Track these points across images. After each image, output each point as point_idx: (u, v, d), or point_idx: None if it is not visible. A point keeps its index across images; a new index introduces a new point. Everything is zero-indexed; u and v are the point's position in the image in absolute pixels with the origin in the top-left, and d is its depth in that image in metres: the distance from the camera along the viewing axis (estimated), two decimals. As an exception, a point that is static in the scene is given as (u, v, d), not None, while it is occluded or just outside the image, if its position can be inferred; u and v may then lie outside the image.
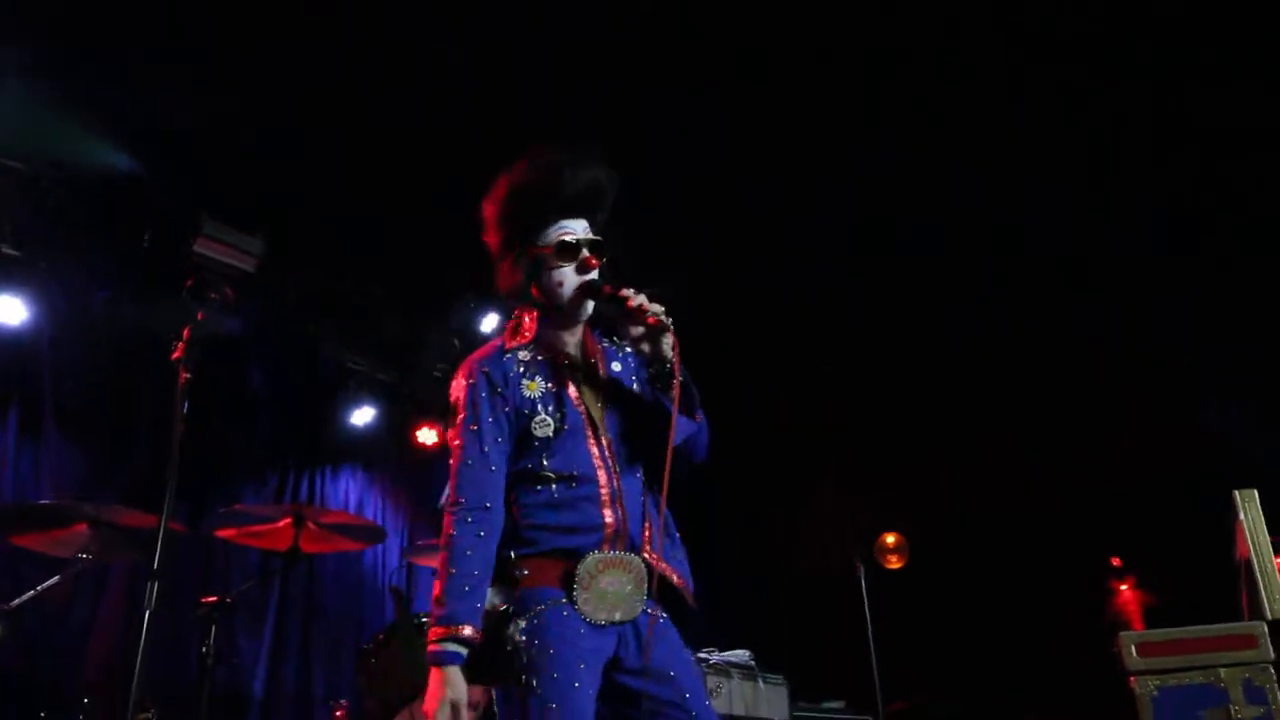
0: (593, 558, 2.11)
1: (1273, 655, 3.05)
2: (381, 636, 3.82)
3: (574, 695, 2.02)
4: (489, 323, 6.11)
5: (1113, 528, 6.75)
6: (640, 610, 2.16)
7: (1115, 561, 7.07)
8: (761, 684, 4.85)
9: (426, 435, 6.16)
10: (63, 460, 4.72)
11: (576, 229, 2.24)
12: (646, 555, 2.18)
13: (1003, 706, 6.31)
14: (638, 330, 2.18)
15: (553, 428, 2.17)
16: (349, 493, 6.06)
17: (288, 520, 4.08)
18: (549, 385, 2.20)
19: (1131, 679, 3.15)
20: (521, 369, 2.21)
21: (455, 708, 2.02)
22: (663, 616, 2.22)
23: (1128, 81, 4.79)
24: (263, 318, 5.46)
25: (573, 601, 2.09)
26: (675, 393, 2.14)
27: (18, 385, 4.71)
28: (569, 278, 2.21)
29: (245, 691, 4.98)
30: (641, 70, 4.61)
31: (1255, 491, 3.24)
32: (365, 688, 3.78)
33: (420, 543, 5.40)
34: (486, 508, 2.11)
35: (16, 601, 3.47)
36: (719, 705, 4.53)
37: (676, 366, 2.14)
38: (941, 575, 6.91)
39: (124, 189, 4.87)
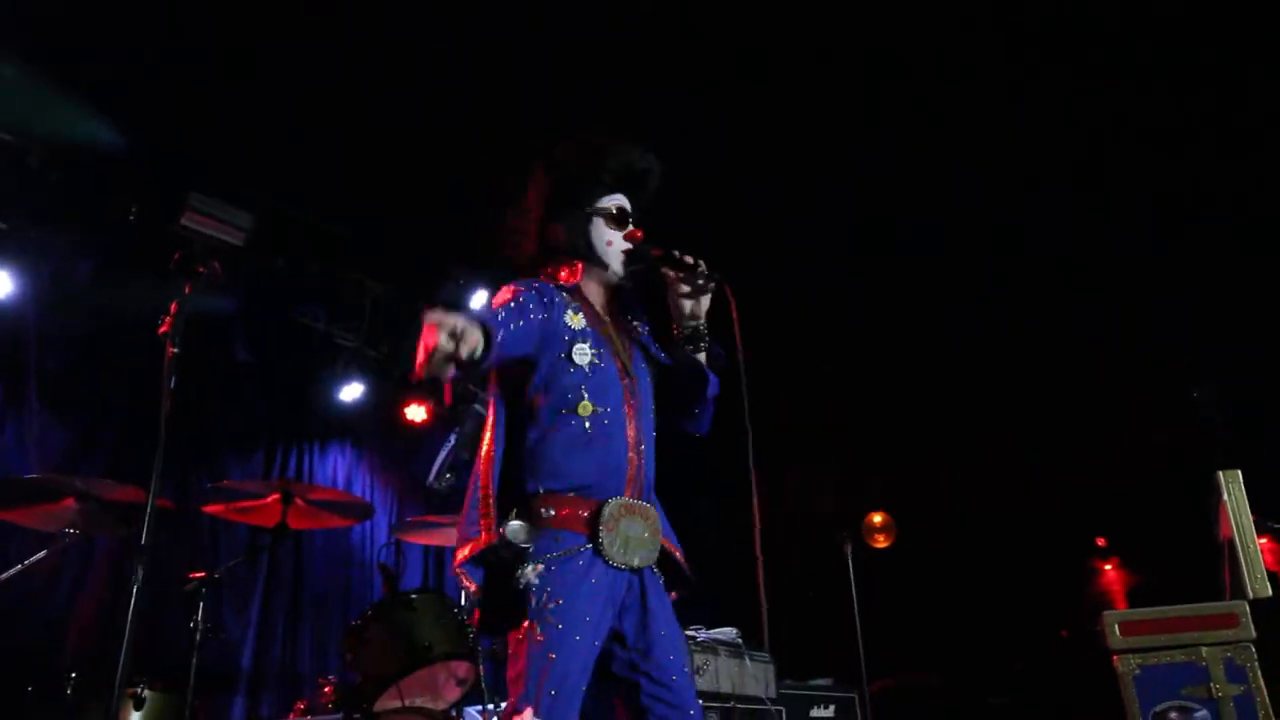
0: (616, 501, 2.19)
1: (1254, 634, 3.08)
2: (370, 613, 3.81)
3: (574, 648, 2.06)
4: (478, 299, 6.09)
5: (1097, 508, 6.82)
6: (653, 559, 2.24)
7: (1100, 541, 7.15)
8: (748, 661, 4.87)
9: (415, 412, 6.15)
10: (48, 433, 4.70)
11: (626, 204, 2.45)
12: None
13: (987, 683, 6.38)
14: (685, 288, 2.37)
15: (589, 360, 2.27)
16: (337, 469, 6.06)
17: (275, 496, 4.07)
18: (588, 324, 2.33)
19: (1115, 657, 3.18)
20: (565, 301, 2.33)
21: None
22: (662, 578, 2.29)
23: (1127, 81, 4.79)
24: (251, 293, 5.44)
25: (597, 544, 2.14)
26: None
27: (4, 358, 4.68)
28: (618, 240, 2.41)
29: (233, 667, 4.99)
30: (641, 70, 4.61)
31: (1239, 472, 3.27)
32: (353, 664, 3.78)
33: (409, 519, 5.40)
34: None
35: (2, 577, 3.46)
36: (705, 683, 4.56)
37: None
38: (928, 554, 6.96)
39: (112, 162, 4.82)
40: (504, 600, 2.11)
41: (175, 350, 2.98)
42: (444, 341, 1.91)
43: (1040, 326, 6.29)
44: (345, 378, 5.85)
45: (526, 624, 2.05)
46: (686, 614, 5.12)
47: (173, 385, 2.94)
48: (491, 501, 2.17)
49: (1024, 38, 4.60)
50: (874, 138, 5.12)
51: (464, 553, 2.16)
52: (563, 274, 2.42)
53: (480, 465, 2.24)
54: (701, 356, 2.41)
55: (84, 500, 3.63)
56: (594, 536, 2.15)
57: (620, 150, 2.46)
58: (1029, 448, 6.85)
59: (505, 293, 2.31)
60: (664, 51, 4.55)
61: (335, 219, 5.57)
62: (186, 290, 3.09)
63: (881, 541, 6.79)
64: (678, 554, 2.33)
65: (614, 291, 2.45)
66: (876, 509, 6.86)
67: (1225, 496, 3.24)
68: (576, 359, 2.25)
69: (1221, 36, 4.55)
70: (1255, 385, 5.71)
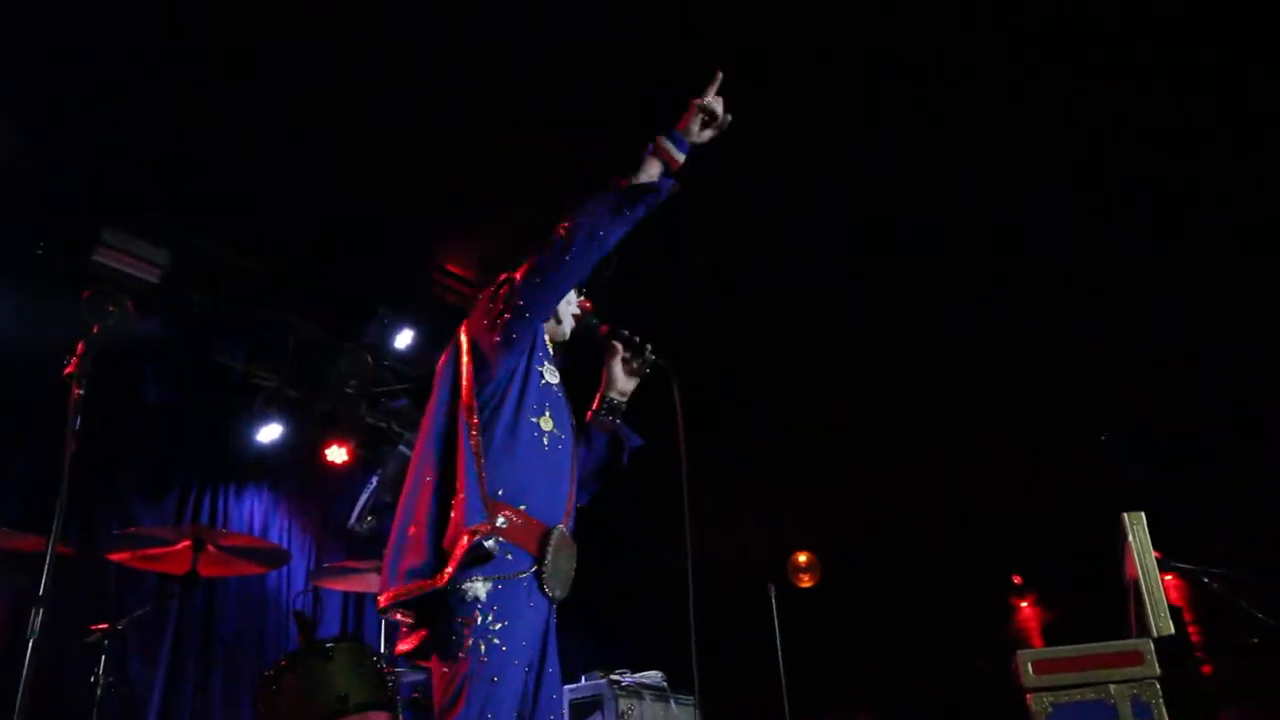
0: (558, 529, 2.21)
1: (1158, 671, 3.18)
2: (284, 663, 3.69)
3: (515, 674, 2.05)
4: (403, 339, 6.02)
5: (1014, 546, 6.98)
6: (566, 595, 2.25)
7: (1016, 579, 7.31)
8: (673, 705, 4.85)
9: (336, 453, 6.02)
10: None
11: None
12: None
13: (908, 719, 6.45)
14: (627, 365, 2.52)
15: (555, 381, 2.37)
16: (254, 512, 5.87)
17: (186, 543, 3.93)
18: (552, 353, 2.44)
19: (1028, 695, 3.25)
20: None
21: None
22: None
23: (1127, 81, 4.86)
24: (164, 329, 5.28)
25: (540, 570, 2.14)
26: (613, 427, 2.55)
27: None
28: (570, 304, 2.54)
29: (138, 722, 4.76)
30: (641, 70, 4.58)
31: (1143, 514, 3.38)
32: (266, 717, 3.65)
33: (326, 565, 5.26)
34: None
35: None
36: (630, 728, 4.52)
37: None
38: (850, 594, 7.05)
39: (20, 194, 4.66)
40: (442, 615, 2.07)
41: (81, 392, 2.88)
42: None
43: (959, 369, 6.44)
44: (263, 418, 5.70)
45: (470, 641, 2.01)
46: (613, 657, 5.10)
47: (78, 427, 2.84)
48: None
49: (1024, 38, 4.64)
50: (874, 138, 5.14)
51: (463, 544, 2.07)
52: None
53: (463, 459, 2.17)
54: (623, 432, 2.54)
55: (-22, 549, 3.46)
56: (540, 561, 2.15)
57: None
58: (949, 488, 6.99)
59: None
60: (664, 51, 4.48)
61: (256, 256, 5.46)
62: (94, 330, 2.99)
63: (806, 581, 6.86)
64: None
65: (558, 344, 2.53)
66: (801, 549, 6.94)
67: (1130, 538, 3.35)
68: (546, 375, 2.34)
69: (1221, 36, 4.62)
70: (1161, 429, 5.91)
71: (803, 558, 6.76)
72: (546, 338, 2.45)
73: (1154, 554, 3.35)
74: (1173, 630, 3.22)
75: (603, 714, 4.57)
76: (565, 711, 4.46)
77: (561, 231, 2.20)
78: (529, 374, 2.28)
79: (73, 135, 4.56)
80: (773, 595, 5.24)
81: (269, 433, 5.72)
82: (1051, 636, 6.76)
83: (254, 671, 5.00)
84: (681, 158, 2.35)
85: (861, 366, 6.50)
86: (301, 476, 6.09)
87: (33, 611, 2.59)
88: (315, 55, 4.39)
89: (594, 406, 2.55)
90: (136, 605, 4.56)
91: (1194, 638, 4.67)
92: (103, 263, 4.87)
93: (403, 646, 2.18)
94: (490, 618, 2.03)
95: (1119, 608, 3.74)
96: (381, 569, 2.21)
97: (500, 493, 2.15)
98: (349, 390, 6.04)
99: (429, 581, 2.05)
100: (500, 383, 2.24)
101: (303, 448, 5.97)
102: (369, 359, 6.00)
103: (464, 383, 2.23)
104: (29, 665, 2.54)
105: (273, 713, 3.62)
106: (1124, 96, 4.92)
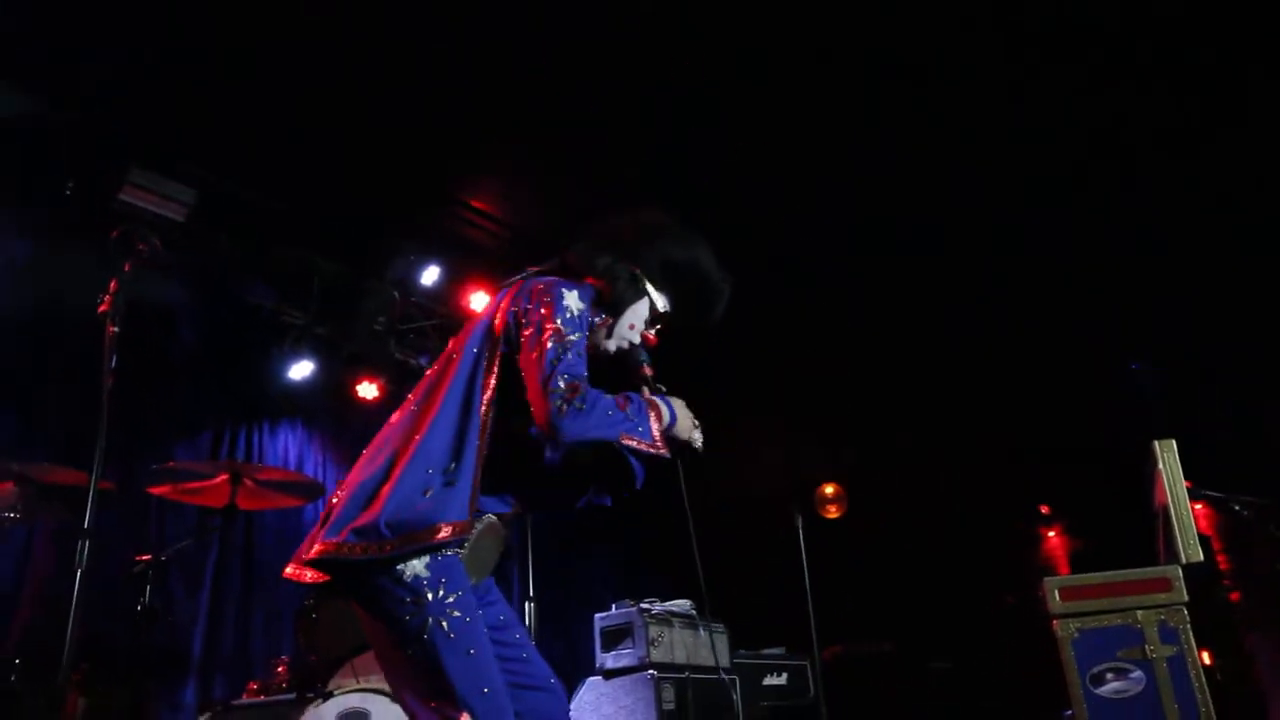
0: (486, 519, 2.11)
1: (1186, 597, 3.19)
2: (321, 592, 3.79)
3: (482, 635, 1.96)
4: (429, 275, 6.04)
5: (1041, 476, 6.99)
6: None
7: (1044, 509, 7.33)
8: (703, 632, 4.94)
9: (367, 389, 6.09)
10: (-13, 416, 4.57)
11: (666, 319, 2.38)
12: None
13: (932, 648, 6.54)
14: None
15: None
16: (288, 448, 5.98)
17: (224, 477, 4.02)
18: None
19: (1054, 621, 3.27)
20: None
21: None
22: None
23: (1127, 82, 4.85)
24: (194, 272, 5.33)
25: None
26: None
27: (-63, 340, 4.53)
28: (638, 329, 2.35)
29: (183, 650, 4.93)
30: (641, 70, 4.61)
31: (1173, 442, 3.36)
32: (306, 644, 3.76)
33: (361, 498, 5.36)
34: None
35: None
36: (660, 654, 4.62)
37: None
38: (877, 523, 7.09)
39: (47, 137, 4.68)
40: (374, 589, 1.95)
41: (115, 329, 2.92)
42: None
43: (985, 301, 6.39)
44: (294, 356, 5.77)
45: (430, 621, 1.90)
46: (643, 587, 5.19)
47: (114, 364, 2.89)
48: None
49: (1024, 38, 4.62)
50: (874, 137, 5.16)
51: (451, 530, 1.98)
52: (598, 319, 2.31)
53: (482, 413, 2.07)
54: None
55: (23, 484, 3.55)
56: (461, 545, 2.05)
57: (721, 288, 2.38)
58: (974, 418, 6.98)
59: (575, 300, 2.15)
60: (664, 51, 4.53)
61: (280, 195, 5.47)
62: (126, 268, 3.03)
63: (833, 512, 6.90)
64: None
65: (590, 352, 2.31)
66: (828, 480, 6.97)
67: (1160, 465, 3.34)
68: None
69: (1221, 37, 4.61)
70: (1191, 358, 5.87)
71: (829, 489, 6.79)
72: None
73: (1184, 482, 3.33)
74: (1201, 557, 3.22)
75: (633, 640, 4.67)
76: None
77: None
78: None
79: (96, 76, 4.56)
80: (800, 525, 5.28)
81: (300, 370, 5.79)
82: (1079, 565, 6.79)
83: (293, 601, 5.15)
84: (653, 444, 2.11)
85: (890, 295, 6.47)
86: (333, 412, 6.18)
87: (79, 543, 2.68)
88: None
89: None
90: (178, 538, 4.69)
91: (1222, 565, 4.67)
92: (130, 202, 4.90)
93: (296, 575, 2.05)
94: (441, 593, 1.92)
95: (1147, 537, 3.75)
96: (326, 509, 2.07)
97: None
98: (377, 327, 6.09)
99: (373, 546, 1.92)
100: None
101: (334, 384, 6.04)
102: (395, 295, 6.03)
103: (492, 369, 2.12)
104: (77, 595, 2.63)
105: (311, 641, 3.73)
106: (1123, 97, 4.90)
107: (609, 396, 2.06)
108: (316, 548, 1.96)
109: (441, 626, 1.90)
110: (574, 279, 2.26)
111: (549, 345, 2.04)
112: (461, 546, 2.02)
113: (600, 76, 4.68)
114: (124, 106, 4.76)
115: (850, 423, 7.38)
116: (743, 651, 5.21)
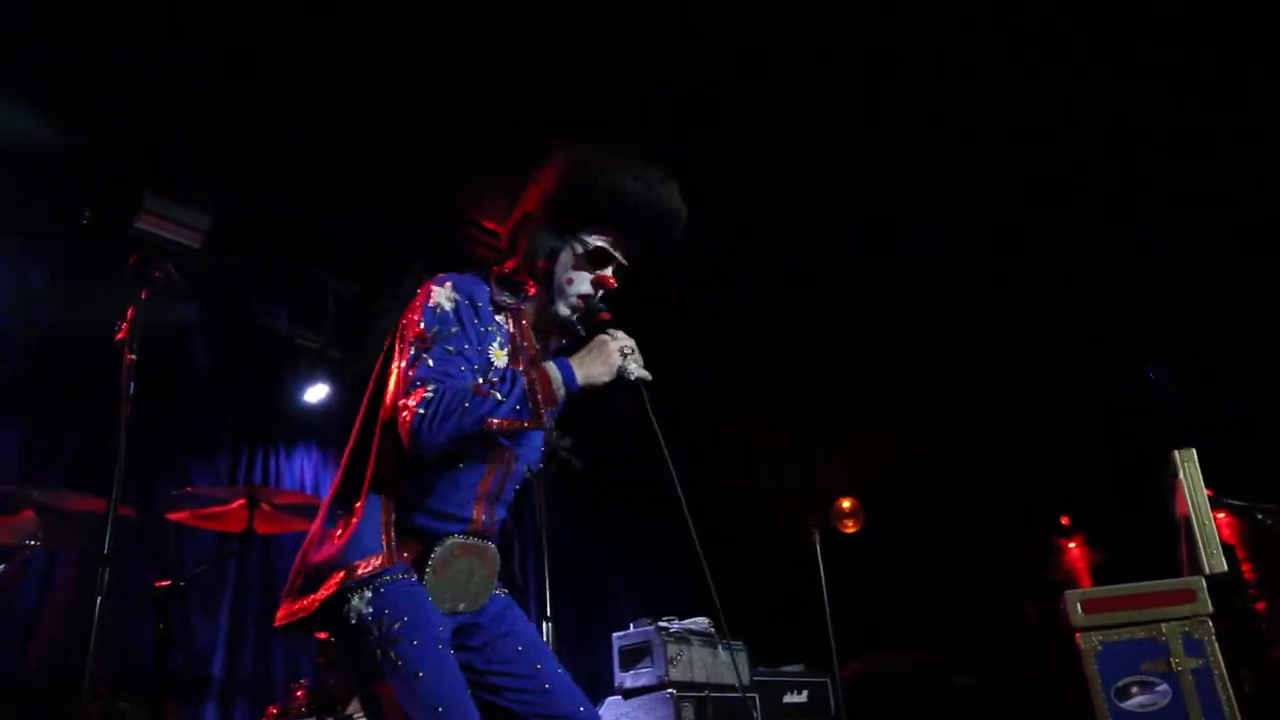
0: (449, 543, 2.03)
1: (1210, 608, 3.15)
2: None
3: (441, 656, 1.89)
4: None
5: (1060, 486, 6.93)
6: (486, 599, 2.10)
7: (1064, 520, 7.27)
8: (721, 650, 4.92)
9: (382, 411, 6.10)
10: (6, 445, 4.60)
11: (622, 254, 2.17)
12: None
13: (954, 663, 6.48)
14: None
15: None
16: (305, 471, 6.00)
17: (241, 502, 4.03)
18: (507, 362, 2.09)
19: (1077, 635, 3.24)
20: (497, 329, 2.10)
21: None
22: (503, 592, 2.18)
23: (1127, 81, 4.83)
24: (209, 295, 5.36)
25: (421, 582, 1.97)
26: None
27: (-43, 369, 4.57)
28: (581, 281, 2.14)
29: (203, 674, 4.92)
30: (641, 70, 4.60)
31: (1194, 451, 3.33)
32: (325, 667, 3.76)
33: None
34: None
35: (-38, 591, 3.40)
36: (678, 673, 4.59)
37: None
38: (895, 537, 7.05)
39: (63, 163, 4.73)
40: (335, 632, 1.93)
41: (133, 357, 2.95)
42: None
43: (1002, 310, 6.37)
44: (309, 379, 5.79)
45: (378, 654, 1.85)
46: (661, 605, 5.17)
47: (132, 392, 2.91)
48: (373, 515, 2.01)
49: (1024, 38, 4.61)
50: (874, 138, 5.14)
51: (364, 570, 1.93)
52: (518, 285, 2.19)
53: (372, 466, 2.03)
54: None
55: (43, 512, 3.57)
56: (421, 575, 1.98)
57: (662, 191, 2.14)
58: (992, 429, 6.94)
59: (442, 297, 2.06)
60: (664, 51, 4.52)
61: (294, 215, 5.51)
62: (143, 295, 3.06)
63: (850, 527, 6.87)
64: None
65: (547, 325, 2.21)
66: (845, 494, 6.94)
67: (1181, 475, 3.31)
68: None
69: (1221, 37, 4.58)
70: (1209, 364, 5.83)
71: (846, 503, 6.76)
72: (524, 322, 2.15)
73: (1205, 491, 3.30)
74: (1225, 567, 3.19)
75: (651, 659, 4.64)
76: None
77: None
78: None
79: (108, 99, 4.61)
80: (817, 540, 5.26)
81: (316, 393, 5.81)
82: (1101, 577, 6.72)
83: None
84: (561, 395, 1.96)
85: (903, 304, 6.46)
86: (350, 434, 6.19)
87: (99, 570, 2.69)
88: (344, 21, 4.38)
89: None
90: (197, 562, 4.70)
91: (1247, 574, 4.62)
92: (145, 230, 4.94)
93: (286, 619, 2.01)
94: (385, 624, 1.86)
95: (1169, 547, 3.71)
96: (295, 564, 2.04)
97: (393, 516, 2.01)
98: (391, 348, 6.11)
99: (301, 604, 1.93)
100: None
101: (349, 406, 6.05)
102: (409, 317, 6.05)
103: (393, 380, 2.04)
104: (98, 620, 2.64)
105: (329, 664, 3.73)
106: (1124, 96, 4.87)
107: (463, 386, 1.91)
108: (279, 612, 1.99)
109: (389, 656, 1.86)
110: (484, 270, 2.19)
111: (410, 352, 1.99)
112: (411, 574, 1.96)
113: (602, 82, 4.66)
114: (139, 133, 4.81)
115: (866, 435, 7.35)
116: (762, 669, 5.17)
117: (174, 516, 4.11)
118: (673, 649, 4.66)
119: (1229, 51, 4.66)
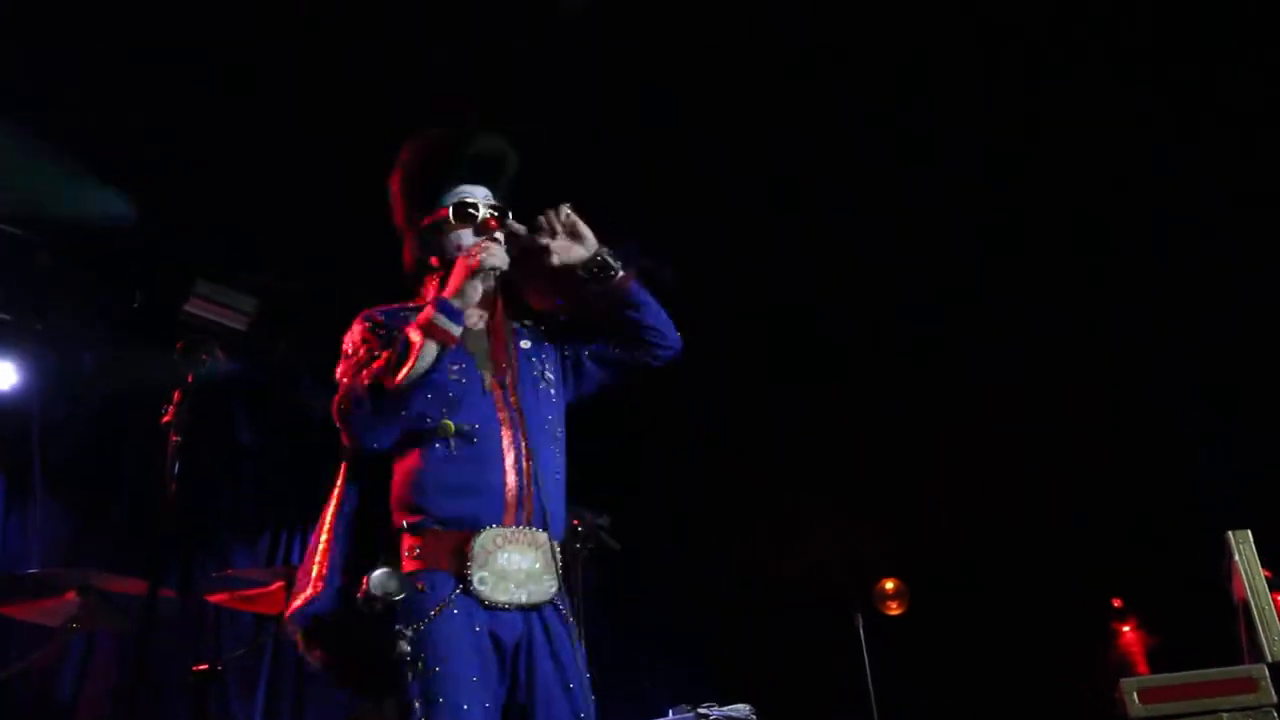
0: (491, 532, 1.96)
1: (1275, 698, 3.01)
2: (373, 700, 3.74)
3: (464, 717, 1.84)
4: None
5: (1113, 569, 6.73)
6: (549, 595, 2.01)
7: (1116, 603, 7.03)
8: (762, 738, 4.77)
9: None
10: (52, 525, 4.67)
11: (476, 194, 2.24)
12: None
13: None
14: (559, 242, 2.16)
15: (457, 368, 2.11)
16: (342, 551, 6.00)
17: (279, 584, 4.03)
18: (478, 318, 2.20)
19: (1134, 726, 3.11)
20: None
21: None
22: (570, 619, 2.07)
23: (1127, 81, 4.78)
24: (251, 375, 5.45)
25: (466, 585, 1.91)
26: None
27: (7, 450, 4.67)
28: (468, 240, 2.19)
29: (237, 758, 4.88)
30: (640, 70, 4.57)
31: (1249, 532, 3.23)
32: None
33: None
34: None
35: (2, 675, 3.41)
36: (720, 762, 4.46)
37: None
38: (941, 620, 6.86)
39: (116, 249, 4.88)
40: (379, 669, 1.91)
41: (178, 439, 3.00)
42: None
43: (1052, 390, 6.27)
44: (349, 458, 5.82)
45: (406, 699, 1.84)
46: (699, 691, 5.05)
47: (176, 473, 2.95)
48: (326, 547, 2.09)
49: (1024, 39, 4.58)
50: (874, 138, 5.08)
51: (295, 604, 2.05)
52: (429, 291, 2.23)
53: (325, 511, 2.16)
54: (622, 277, 2.17)
55: (85, 593, 3.59)
56: (463, 576, 1.92)
57: (457, 137, 2.25)
58: (1042, 507, 6.79)
59: (351, 334, 2.25)
60: (664, 51, 4.48)
61: (335, 297, 5.60)
62: (189, 379, 3.12)
63: (894, 609, 6.70)
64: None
65: (498, 306, 2.19)
66: (888, 575, 6.79)
67: (1237, 557, 3.20)
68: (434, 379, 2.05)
69: (1222, 36, 4.55)
70: (1260, 444, 5.68)
71: (890, 584, 6.60)
72: (483, 326, 2.20)
73: (1263, 573, 3.19)
74: (1288, 654, 3.06)
75: (691, 748, 4.51)
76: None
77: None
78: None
79: (162, 188, 4.75)
80: (860, 625, 5.13)
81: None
82: (1157, 663, 6.48)
83: (346, 708, 5.08)
84: (456, 331, 2.01)
85: (947, 382, 6.38)
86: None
87: (137, 654, 2.70)
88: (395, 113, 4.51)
89: (583, 290, 2.19)
90: (235, 644, 4.69)
91: (1312, 661, 4.42)
92: (194, 313, 5.07)
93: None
94: (421, 667, 1.84)
95: (1228, 631, 3.58)
96: None
97: (403, 525, 2.03)
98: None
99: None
100: None
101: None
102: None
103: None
104: (135, 705, 2.64)
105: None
106: (1124, 96, 4.81)
107: (360, 373, 2.09)
108: None
109: (415, 707, 1.88)
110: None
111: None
112: (463, 582, 1.95)
113: (593, 77, 4.60)
114: (189, 219, 4.95)
115: (909, 515, 7.21)
116: (805, 758, 5.01)
117: (213, 599, 4.12)
118: (713, 738, 4.53)
119: (1228, 51, 4.59)
